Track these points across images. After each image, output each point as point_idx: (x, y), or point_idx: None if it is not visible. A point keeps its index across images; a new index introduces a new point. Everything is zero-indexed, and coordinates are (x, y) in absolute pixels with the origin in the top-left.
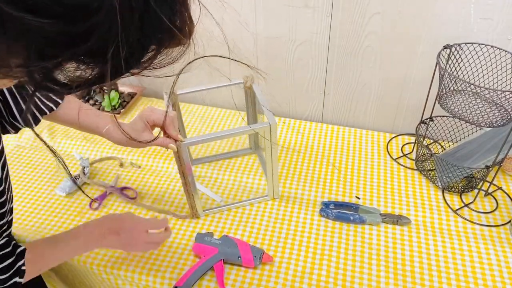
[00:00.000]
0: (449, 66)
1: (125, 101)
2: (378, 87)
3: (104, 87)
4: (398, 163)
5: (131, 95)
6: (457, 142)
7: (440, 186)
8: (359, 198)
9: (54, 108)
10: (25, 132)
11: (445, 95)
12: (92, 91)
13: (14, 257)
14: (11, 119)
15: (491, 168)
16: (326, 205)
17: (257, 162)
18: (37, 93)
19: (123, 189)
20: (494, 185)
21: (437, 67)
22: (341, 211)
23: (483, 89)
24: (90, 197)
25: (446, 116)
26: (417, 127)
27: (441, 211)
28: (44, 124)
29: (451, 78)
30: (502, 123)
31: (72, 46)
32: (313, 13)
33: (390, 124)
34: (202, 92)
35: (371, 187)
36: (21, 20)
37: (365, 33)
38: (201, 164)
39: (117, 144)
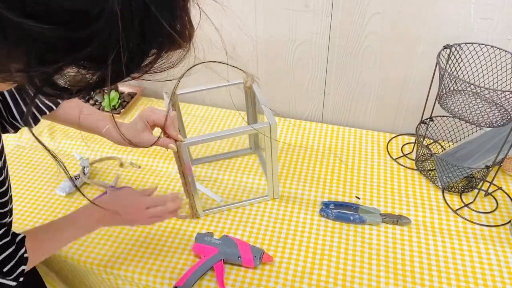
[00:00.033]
0: (449, 66)
1: (125, 101)
2: (378, 87)
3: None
4: (398, 163)
5: (131, 95)
6: (457, 142)
7: (440, 186)
8: (359, 198)
9: (54, 107)
10: (25, 132)
11: (445, 95)
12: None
13: (14, 246)
14: (10, 119)
15: (491, 168)
16: (326, 205)
17: (257, 162)
18: (37, 98)
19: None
20: (494, 185)
21: (437, 67)
22: (341, 211)
23: (483, 89)
24: (88, 199)
25: (446, 116)
26: (417, 127)
27: (441, 211)
28: (44, 124)
29: (451, 78)
30: (502, 123)
31: (73, 52)
32: (313, 13)
33: (390, 124)
34: (202, 92)
35: (371, 187)
36: (22, 26)
37: (365, 33)
38: (201, 164)
39: (118, 144)
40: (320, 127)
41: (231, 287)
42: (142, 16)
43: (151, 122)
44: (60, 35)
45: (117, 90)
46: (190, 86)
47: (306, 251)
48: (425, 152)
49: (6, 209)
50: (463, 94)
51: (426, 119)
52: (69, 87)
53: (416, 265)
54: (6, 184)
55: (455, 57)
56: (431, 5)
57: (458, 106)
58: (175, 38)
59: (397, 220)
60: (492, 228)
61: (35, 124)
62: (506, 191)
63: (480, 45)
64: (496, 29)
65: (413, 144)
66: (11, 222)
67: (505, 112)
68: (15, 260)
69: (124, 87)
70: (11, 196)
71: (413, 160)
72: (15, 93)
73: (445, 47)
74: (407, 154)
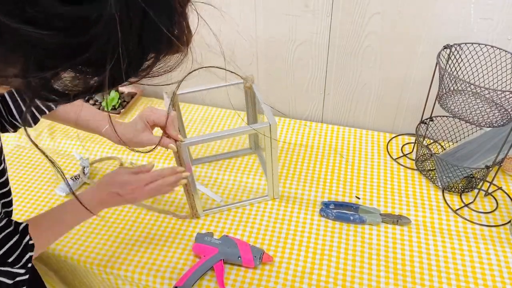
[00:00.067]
0: (449, 66)
1: (125, 101)
2: (378, 87)
3: None
4: (398, 163)
5: (131, 95)
6: (457, 142)
7: (440, 186)
8: (359, 198)
9: (54, 107)
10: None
11: (445, 95)
12: None
13: (18, 235)
14: (10, 118)
15: (491, 168)
16: (326, 205)
17: (257, 162)
18: (34, 102)
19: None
20: (494, 185)
21: (437, 67)
22: (341, 211)
23: (483, 89)
24: (82, 203)
25: (446, 116)
26: (417, 127)
27: (441, 211)
28: (44, 124)
29: (451, 78)
30: (502, 123)
31: (72, 57)
32: (313, 13)
33: (390, 124)
34: (202, 92)
35: (371, 187)
36: (20, 31)
37: (365, 33)
38: (201, 164)
39: (118, 144)
40: (320, 127)
41: (231, 287)
42: (140, 21)
43: (151, 122)
44: (59, 41)
45: (117, 90)
46: (190, 86)
47: (306, 251)
48: (425, 152)
49: (8, 199)
50: (463, 94)
51: (426, 119)
52: (66, 92)
53: (416, 265)
54: (6, 175)
55: (455, 57)
56: (431, 5)
57: (458, 106)
58: (173, 43)
59: (397, 220)
60: (492, 228)
61: (35, 123)
62: (506, 191)
63: (480, 45)
64: (496, 29)
65: (413, 144)
66: (11, 211)
67: (505, 112)
68: (20, 249)
69: (124, 87)
70: (10, 188)
71: (413, 160)
72: (15, 92)
73: (445, 47)
74: (407, 154)
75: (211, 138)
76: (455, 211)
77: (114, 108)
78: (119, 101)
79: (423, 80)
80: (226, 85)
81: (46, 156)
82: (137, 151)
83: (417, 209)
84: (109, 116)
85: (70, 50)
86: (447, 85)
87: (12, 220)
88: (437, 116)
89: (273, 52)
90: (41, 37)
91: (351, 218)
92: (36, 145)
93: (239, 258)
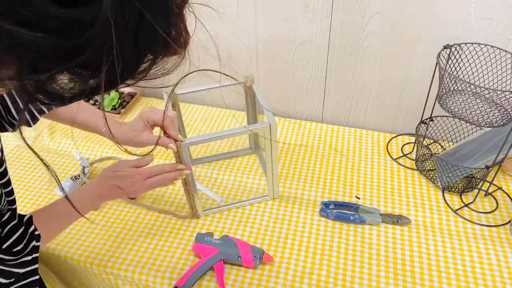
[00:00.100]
0: (449, 66)
1: (125, 101)
2: (378, 87)
3: None
4: (398, 163)
5: (131, 95)
6: (457, 142)
7: (440, 186)
8: (359, 198)
9: (54, 106)
10: (25, 132)
11: (445, 95)
12: None
13: (24, 227)
14: (9, 117)
15: (491, 168)
16: (326, 205)
17: (257, 162)
18: (29, 106)
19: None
20: (494, 185)
21: (437, 67)
22: (341, 211)
23: (483, 89)
24: (74, 206)
25: (446, 116)
26: (417, 127)
27: (441, 211)
28: (44, 124)
29: (451, 78)
30: (502, 123)
31: (66, 60)
32: (313, 13)
33: (390, 124)
34: (202, 92)
35: (371, 187)
36: (13, 33)
37: (365, 33)
38: (201, 164)
39: (118, 143)
40: (320, 127)
41: (231, 287)
42: (136, 23)
43: (151, 122)
44: (53, 43)
45: (117, 90)
46: (190, 86)
47: (306, 251)
48: (425, 152)
49: (11, 197)
50: (463, 94)
51: (426, 119)
52: (62, 95)
53: (416, 265)
54: (7, 175)
55: (455, 57)
56: (431, 5)
57: (458, 106)
58: (170, 45)
59: (397, 220)
60: (492, 228)
61: (34, 123)
62: (506, 191)
63: (480, 45)
64: (496, 29)
65: (413, 144)
66: (15, 209)
67: (505, 112)
68: (26, 239)
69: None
70: (12, 188)
71: (413, 160)
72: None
73: (445, 47)
74: (407, 154)
75: (211, 138)
76: (455, 211)
77: (114, 108)
78: (119, 101)
79: (423, 80)
80: (226, 85)
81: (41, 160)
82: (134, 154)
83: (417, 209)
84: (105, 116)
85: (65, 53)
86: (447, 85)
87: (15, 213)
88: (437, 116)
89: (273, 52)
90: (35, 39)
91: (351, 218)
92: (31, 148)
93: (239, 258)
